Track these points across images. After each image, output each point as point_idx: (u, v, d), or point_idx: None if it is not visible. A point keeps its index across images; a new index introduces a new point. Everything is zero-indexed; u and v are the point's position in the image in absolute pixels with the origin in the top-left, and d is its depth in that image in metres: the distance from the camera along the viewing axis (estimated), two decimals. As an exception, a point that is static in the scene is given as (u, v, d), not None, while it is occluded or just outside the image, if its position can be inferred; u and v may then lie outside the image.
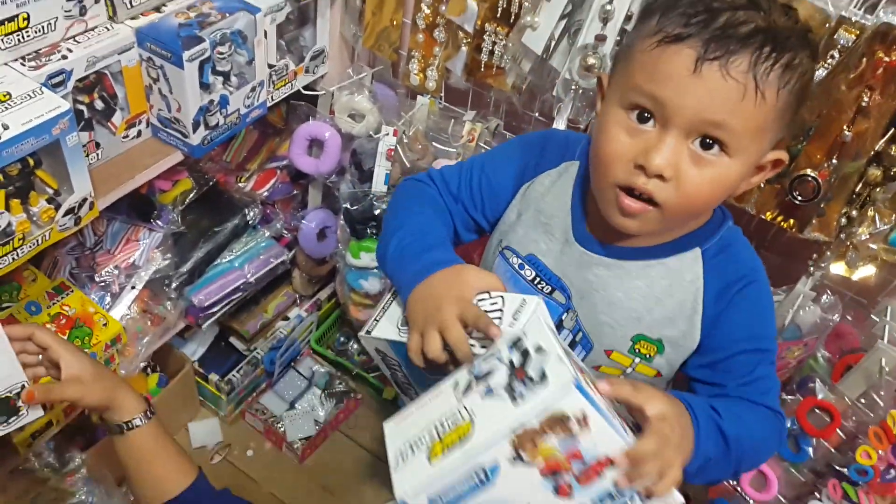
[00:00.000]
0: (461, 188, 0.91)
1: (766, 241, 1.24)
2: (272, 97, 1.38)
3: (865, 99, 0.96)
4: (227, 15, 1.20)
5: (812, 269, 1.15)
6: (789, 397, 1.12)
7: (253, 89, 1.31)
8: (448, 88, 1.42)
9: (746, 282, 0.78)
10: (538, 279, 0.87)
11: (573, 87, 1.16)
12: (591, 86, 1.14)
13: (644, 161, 0.67)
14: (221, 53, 1.20)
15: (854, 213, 1.08)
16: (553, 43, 1.17)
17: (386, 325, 0.81)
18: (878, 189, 1.06)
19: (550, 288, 0.86)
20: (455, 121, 1.41)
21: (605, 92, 0.75)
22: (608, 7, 1.09)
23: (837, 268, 1.13)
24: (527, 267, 0.88)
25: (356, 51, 1.49)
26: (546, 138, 0.90)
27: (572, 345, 0.86)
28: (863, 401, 1.08)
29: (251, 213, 1.60)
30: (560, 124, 1.18)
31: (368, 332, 0.81)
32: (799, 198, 1.05)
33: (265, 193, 1.61)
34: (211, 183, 1.53)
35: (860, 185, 1.05)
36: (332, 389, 1.85)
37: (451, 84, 1.40)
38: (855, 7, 0.96)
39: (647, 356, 0.82)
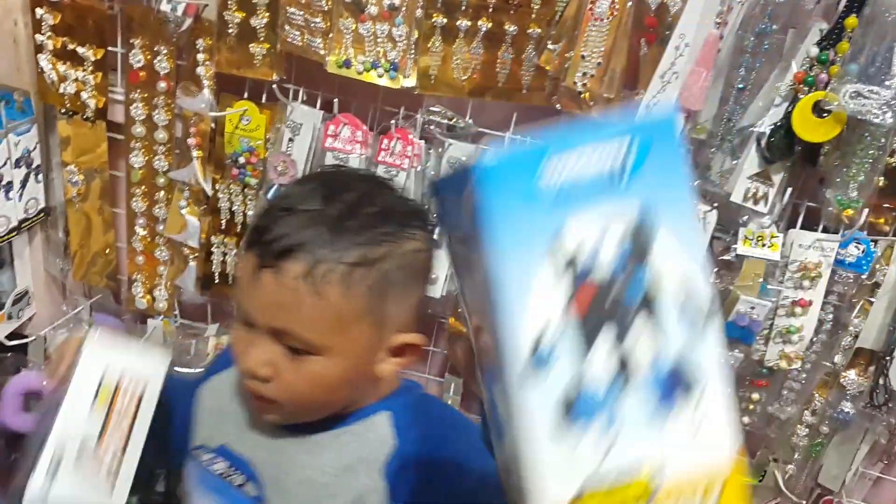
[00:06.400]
0: None
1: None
2: (-32, 357, 1.18)
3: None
4: None
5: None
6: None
7: (-59, 354, 1.11)
8: (183, 306, 1.32)
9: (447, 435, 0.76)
10: (231, 470, 0.79)
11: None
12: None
13: (241, 365, 0.70)
14: None
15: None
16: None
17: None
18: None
19: (244, 478, 0.79)
20: (198, 338, 1.31)
21: None
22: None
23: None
24: (219, 459, 0.80)
25: (67, 286, 1.35)
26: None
27: None
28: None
29: (-46, 503, 1.31)
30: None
31: None
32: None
33: (-27, 468, 1.34)
34: None
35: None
36: None
37: (186, 300, 1.31)
38: None
39: None
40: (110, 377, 0.74)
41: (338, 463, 0.75)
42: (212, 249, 1.24)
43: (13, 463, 1.43)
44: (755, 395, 1.07)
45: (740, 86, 0.98)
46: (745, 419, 1.08)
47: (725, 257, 1.01)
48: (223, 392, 0.82)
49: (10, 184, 1.15)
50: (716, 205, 1.00)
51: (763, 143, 0.97)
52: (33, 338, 1.31)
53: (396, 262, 0.68)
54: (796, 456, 1.11)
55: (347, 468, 0.74)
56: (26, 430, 1.30)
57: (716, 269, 1.01)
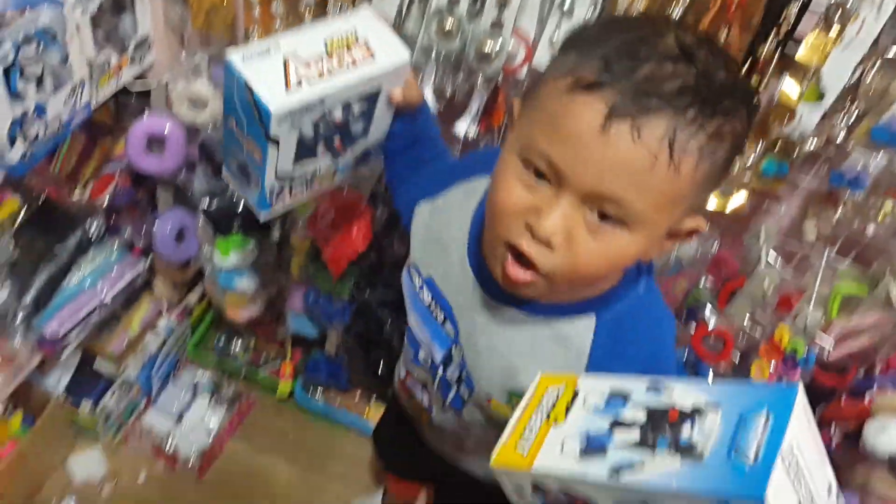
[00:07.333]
0: None
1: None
2: (97, 96, 1.22)
3: (725, 34, 0.98)
4: (27, 10, 1.03)
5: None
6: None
7: (73, 90, 1.15)
8: (296, 64, 1.31)
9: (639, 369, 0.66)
10: (433, 305, 0.79)
11: (433, 52, 1.10)
12: (452, 49, 1.08)
13: (533, 222, 0.60)
14: (28, 56, 1.03)
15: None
16: (405, 9, 1.10)
17: None
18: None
19: (443, 317, 0.78)
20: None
21: (513, 122, 0.66)
22: (458, -32, 1.03)
23: (710, 200, 1.17)
24: (425, 289, 0.80)
25: (185, 34, 1.34)
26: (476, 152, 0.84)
27: (458, 381, 0.80)
28: (749, 322, 1.14)
29: (93, 225, 1.44)
30: (427, 92, 1.12)
31: None
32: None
33: (105, 201, 1.45)
34: (41, 199, 1.36)
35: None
36: (221, 395, 1.74)
37: (300, 58, 1.30)
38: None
39: None
40: (355, 35, 0.80)
41: (528, 350, 0.71)
42: (327, 8, 1.19)
43: (139, 201, 1.54)
44: (888, 205, 1.01)
45: None
46: (871, 228, 1.03)
47: (891, 54, 0.91)
48: (445, 220, 0.78)
49: (128, -81, 1.11)
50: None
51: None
52: (155, 84, 1.34)
53: (733, 141, 0.58)
54: (916, 273, 1.07)
55: (536, 361, 0.70)
56: (151, 170, 1.39)
57: (878, 63, 0.91)
